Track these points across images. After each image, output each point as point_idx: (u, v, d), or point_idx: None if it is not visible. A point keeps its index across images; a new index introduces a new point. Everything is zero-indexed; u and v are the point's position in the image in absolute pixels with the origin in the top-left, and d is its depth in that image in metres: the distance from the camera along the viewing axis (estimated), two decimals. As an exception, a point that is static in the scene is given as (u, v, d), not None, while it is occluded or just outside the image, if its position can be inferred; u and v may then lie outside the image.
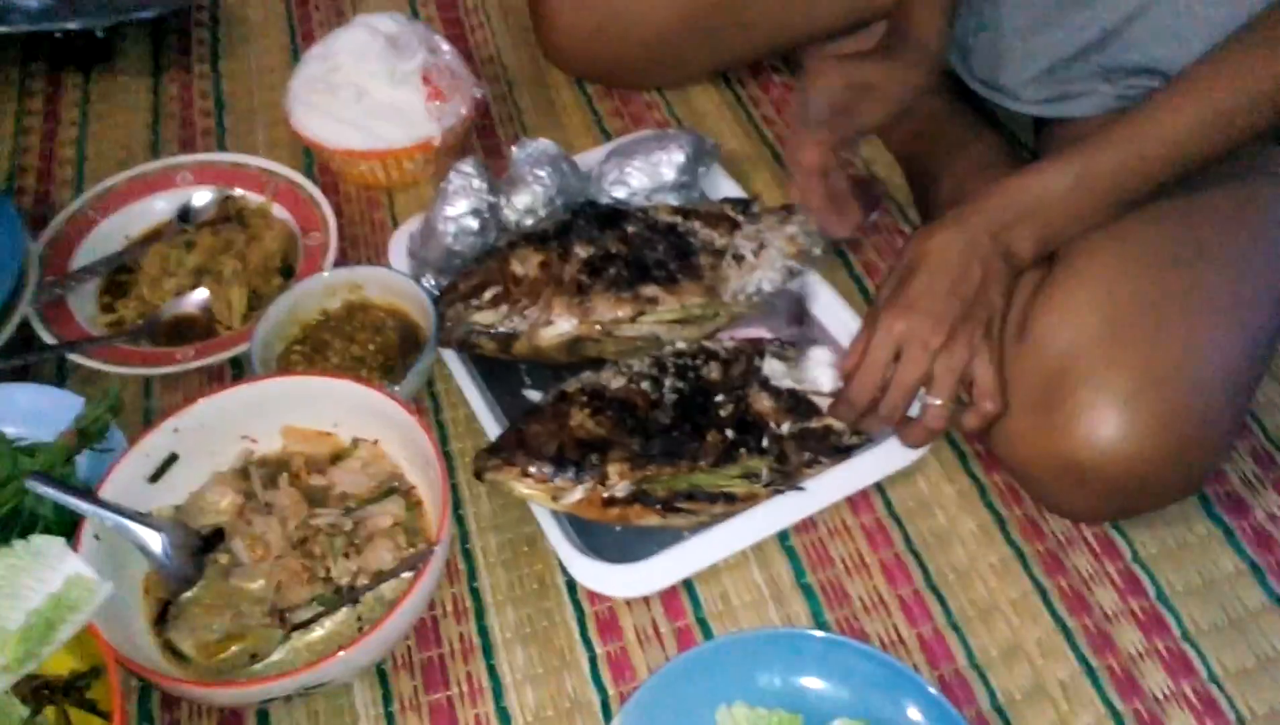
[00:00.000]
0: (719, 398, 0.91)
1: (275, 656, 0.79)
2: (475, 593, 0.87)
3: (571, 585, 0.87)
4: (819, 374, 0.91)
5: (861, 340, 0.86)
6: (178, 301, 1.04)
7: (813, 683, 0.77)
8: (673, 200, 1.07)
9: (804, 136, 0.97)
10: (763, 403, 0.91)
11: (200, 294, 1.04)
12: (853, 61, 1.00)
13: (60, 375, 1.02)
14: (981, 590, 0.86)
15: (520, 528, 0.91)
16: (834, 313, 1.01)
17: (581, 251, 0.98)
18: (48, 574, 0.69)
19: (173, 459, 0.86)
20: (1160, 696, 0.81)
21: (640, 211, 1.03)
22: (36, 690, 0.74)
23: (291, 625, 0.79)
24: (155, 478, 0.85)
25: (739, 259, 1.00)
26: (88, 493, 0.80)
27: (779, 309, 1.01)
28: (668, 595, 0.86)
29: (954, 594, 0.86)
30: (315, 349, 0.97)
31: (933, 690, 0.75)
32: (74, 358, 1.00)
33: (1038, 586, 0.86)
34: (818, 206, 0.99)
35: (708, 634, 0.85)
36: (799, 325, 0.99)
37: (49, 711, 0.73)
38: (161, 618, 0.81)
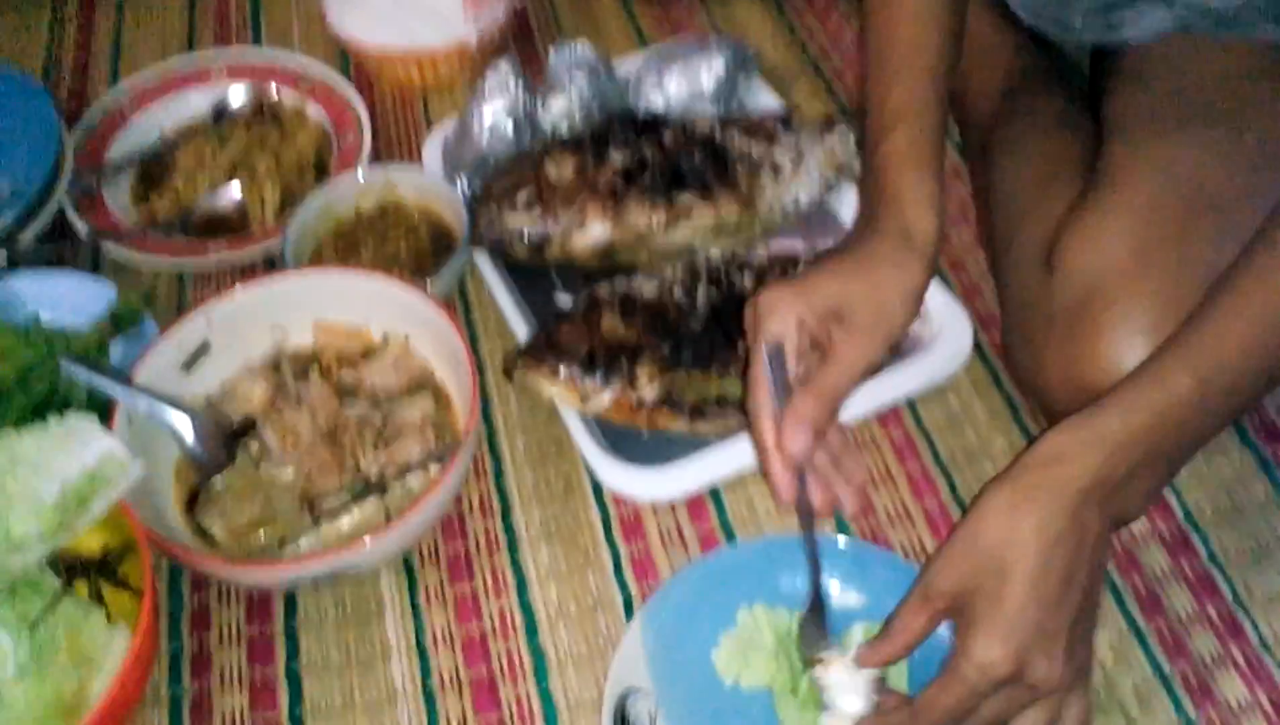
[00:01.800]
0: (751, 307, 0.90)
1: (304, 542, 0.80)
2: (502, 491, 0.88)
3: (597, 488, 0.88)
4: (844, 700, 0.70)
5: (903, 628, 0.68)
6: (211, 196, 1.04)
7: (835, 588, 0.78)
8: (711, 110, 1.06)
9: (771, 417, 0.72)
10: (795, 314, 0.91)
11: (233, 190, 1.04)
12: (812, 279, 0.76)
13: (94, 266, 1.03)
14: (1008, 507, 0.86)
15: (548, 429, 0.91)
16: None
17: (617, 158, 0.97)
18: (81, 450, 0.70)
19: (205, 348, 0.86)
20: (1183, 617, 0.80)
21: (678, 120, 1.02)
22: (70, 567, 0.75)
23: (320, 513, 0.80)
24: (188, 367, 0.86)
25: (776, 171, 0.99)
26: (121, 376, 0.81)
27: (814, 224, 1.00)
28: (693, 501, 0.87)
29: (980, 510, 0.86)
30: (348, 247, 0.97)
31: (955, 600, 0.75)
32: (108, 248, 1.00)
33: (1065, 505, 0.86)
34: (799, 504, 0.74)
35: (731, 539, 0.85)
36: None
37: (80, 586, 0.74)
38: (192, 503, 0.82)
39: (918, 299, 0.77)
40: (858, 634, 0.75)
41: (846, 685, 0.69)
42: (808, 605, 0.72)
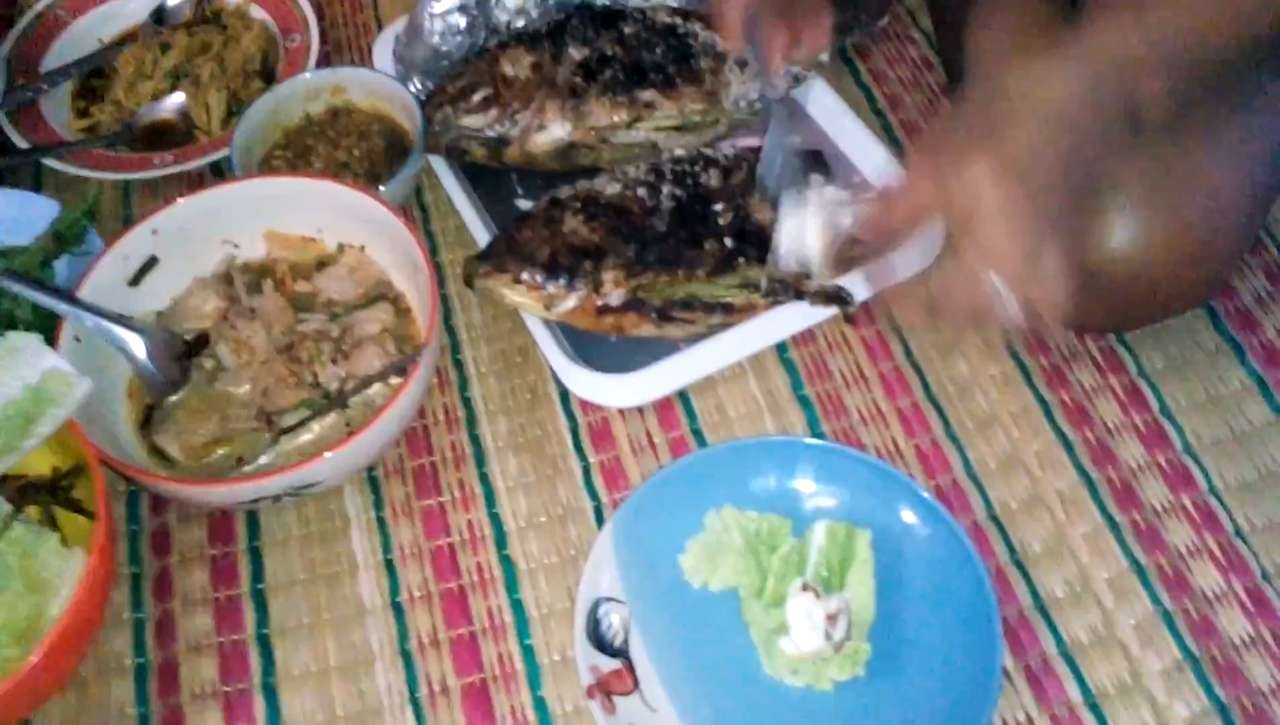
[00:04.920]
0: (718, 206, 0.88)
1: (263, 460, 0.78)
2: (467, 402, 0.86)
3: (564, 396, 0.86)
4: (804, 632, 0.71)
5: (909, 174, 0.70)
6: (154, 106, 1.00)
7: (804, 488, 0.77)
8: (672, 1, 1.01)
9: None
10: (764, 212, 0.88)
11: (177, 98, 1.00)
12: None
13: (35, 182, 0.99)
14: (982, 403, 0.85)
15: (512, 338, 0.89)
16: (838, 121, 0.97)
17: (576, 53, 0.93)
18: (24, 369, 0.67)
19: (153, 262, 0.83)
20: (1159, 508, 0.80)
21: (638, 12, 0.97)
22: (21, 490, 0.73)
23: (279, 429, 0.78)
24: (135, 281, 0.83)
25: (741, 64, 0.95)
26: (66, 293, 0.77)
27: (782, 119, 0.96)
28: (662, 406, 0.85)
29: (953, 406, 0.85)
30: (298, 155, 0.93)
31: (925, 494, 0.74)
32: (49, 163, 0.96)
33: (1040, 400, 0.85)
34: (734, 37, 0.89)
35: (703, 444, 0.83)
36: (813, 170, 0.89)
37: (32, 510, 0.72)
38: (146, 423, 0.80)
39: None
40: (819, 532, 0.74)
41: (809, 619, 0.71)
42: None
